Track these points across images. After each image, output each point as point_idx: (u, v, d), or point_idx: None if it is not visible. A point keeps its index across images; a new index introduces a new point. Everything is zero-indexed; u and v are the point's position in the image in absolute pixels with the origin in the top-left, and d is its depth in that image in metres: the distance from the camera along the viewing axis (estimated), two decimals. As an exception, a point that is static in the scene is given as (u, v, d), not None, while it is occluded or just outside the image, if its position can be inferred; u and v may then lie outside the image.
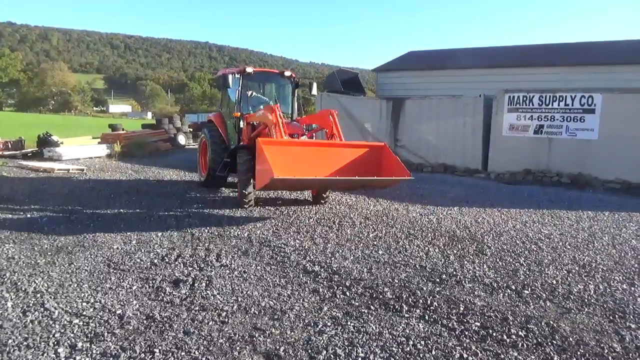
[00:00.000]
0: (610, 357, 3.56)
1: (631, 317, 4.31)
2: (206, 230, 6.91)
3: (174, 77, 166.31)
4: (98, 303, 4.25)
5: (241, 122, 9.43)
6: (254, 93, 10.14)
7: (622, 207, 9.73)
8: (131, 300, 4.35)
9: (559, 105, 13.19)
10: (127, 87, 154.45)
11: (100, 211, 7.92)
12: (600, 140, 12.58)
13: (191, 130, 23.81)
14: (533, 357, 3.54)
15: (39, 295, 4.38)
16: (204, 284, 4.78)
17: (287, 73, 10.47)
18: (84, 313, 4.03)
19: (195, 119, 39.57)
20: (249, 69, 9.95)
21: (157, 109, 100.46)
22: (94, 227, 6.97)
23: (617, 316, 4.31)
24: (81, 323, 3.85)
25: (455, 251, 6.21)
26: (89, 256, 5.57)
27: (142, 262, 5.43)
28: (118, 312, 4.08)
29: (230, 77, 9.66)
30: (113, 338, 3.62)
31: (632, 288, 5.04)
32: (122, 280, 4.83)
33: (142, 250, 5.87)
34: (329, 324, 3.99)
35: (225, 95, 10.83)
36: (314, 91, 10.91)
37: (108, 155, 16.53)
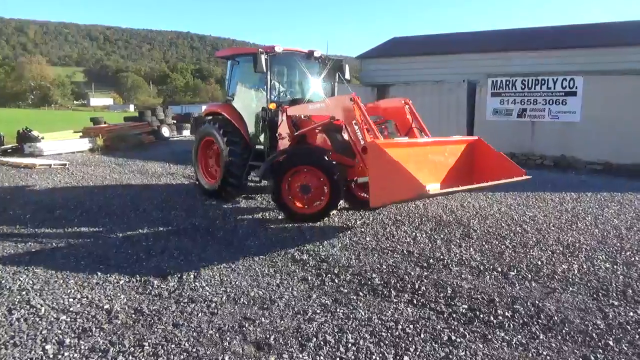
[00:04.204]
0: (594, 334, 3.64)
1: (614, 294, 4.40)
2: (192, 223, 6.86)
3: (155, 68, 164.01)
4: (85, 298, 4.21)
5: (280, 116, 7.43)
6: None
7: (604, 188, 9.90)
8: (119, 294, 4.32)
9: (541, 88, 13.33)
10: (108, 80, 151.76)
11: (84, 206, 7.81)
12: (582, 123, 12.77)
13: (175, 122, 23.55)
14: (519, 336, 3.60)
15: (24, 292, 4.32)
16: (192, 276, 4.76)
17: (317, 53, 8.42)
18: (71, 309, 3.99)
19: (179, 110, 39.09)
20: (278, 48, 7.75)
21: (140, 101, 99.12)
22: (79, 222, 6.88)
23: (600, 294, 4.40)
24: (68, 319, 3.81)
25: (442, 235, 6.27)
26: (74, 251, 5.51)
27: (128, 256, 5.38)
28: (106, 307, 4.05)
29: (263, 58, 7.27)
30: (101, 333, 3.59)
31: (615, 266, 5.15)
32: (108, 274, 4.79)
33: (128, 244, 5.81)
34: (318, 311, 4.01)
35: (239, 81, 8.55)
36: (347, 75, 8.79)
37: (90, 149, 16.29)
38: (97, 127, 19.47)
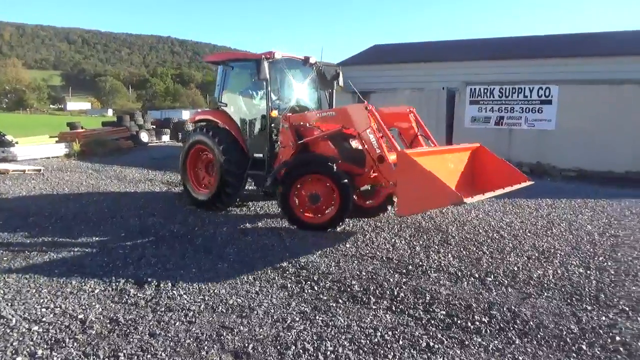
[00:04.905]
0: (568, 339, 3.70)
1: (587, 299, 4.50)
2: (170, 230, 6.78)
3: (134, 72, 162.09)
4: (58, 308, 4.11)
5: (282, 124, 7.25)
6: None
7: (577, 194, 10.13)
8: (93, 304, 4.23)
9: (518, 97, 13.62)
10: (85, 84, 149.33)
11: (59, 213, 7.65)
12: (557, 131, 13.07)
13: (154, 127, 23.30)
14: (496, 342, 3.65)
15: (-6, 302, 4.20)
16: (169, 284, 4.70)
17: (313, 60, 8.31)
18: (44, 319, 3.89)
19: (159, 115, 38.66)
20: (277, 54, 7.56)
21: (118, 106, 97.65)
22: (53, 229, 6.73)
23: (574, 299, 4.49)
24: (41, 330, 3.71)
25: (420, 242, 6.32)
26: (48, 260, 5.38)
27: (104, 264, 5.28)
28: (80, 316, 3.96)
29: (265, 65, 7.05)
30: (75, 344, 3.51)
31: (588, 272, 5.26)
32: (83, 283, 4.69)
33: (104, 252, 5.70)
34: (297, 319, 3.99)
35: (232, 87, 8.31)
36: (342, 82, 8.63)
37: (67, 154, 15.97)
38: (74, 131, 19.14)
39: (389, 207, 7.66)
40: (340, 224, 6.81)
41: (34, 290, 4.48)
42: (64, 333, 3.67)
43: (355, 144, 7.00)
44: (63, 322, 3.86)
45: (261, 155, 7.68)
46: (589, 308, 4.29)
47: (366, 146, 6.33)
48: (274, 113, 7.50)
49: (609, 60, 14.79)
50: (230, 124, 7.94)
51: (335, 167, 6.51)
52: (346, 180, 6.48)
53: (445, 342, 3.64)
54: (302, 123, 7.24)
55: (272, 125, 7.51)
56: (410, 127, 7.14)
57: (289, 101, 8.16)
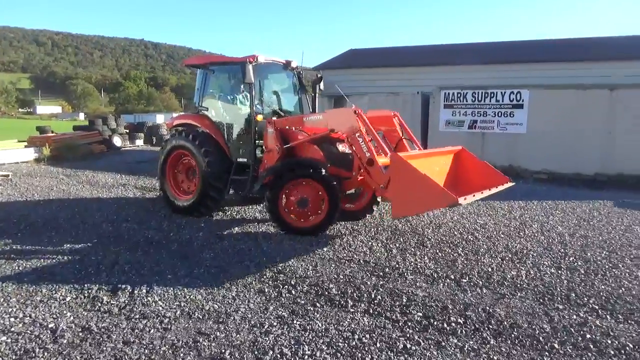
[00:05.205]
0: (541, 338, 3.79)
1: (559, 298, 4.61)
2: (145, 235, 6.66)
3: (107, 76, 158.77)
4: (28, 317, 3.99)
5: (267, 128, 7.19)
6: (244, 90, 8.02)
7: (548, 196, 10.39)
8: (65, 312, 4.12)
9: (490, 101, 13.88)
10: (56, 87, 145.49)
11: (28, 219, 7.42)
12: (528, 134, 13.37)
13: (127, 131, 22.88)
14: (471, 342, 3.70)
15: (-41, 313, 4.04)
16: (144, 291, 4.61)
17: (294, 64, 8.27)
18: (12, 329, 3.77)
19: (132, 119, 38.03)
20: (261, 58, 7.56)
21: (90, 110, 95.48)
22: (22, 236, 6.53)
23: (546, 299, 4.60)
24: (9, 340, 3.59)
25: (397, 244, 6.37)
26: (17, 268, 5.22)
27: (75, 271, 5.15)
28: (50, 325, 3.85)
29: (250, 68, 7.05)
30: (45, 354, 3.41)
31: (559, 272, 5.40)
32: (54, 291, 4.56)
33: (76, 259, 5.57)
34: (275, 323, 3.97)
35: (213, 91, 8.25)
36: (322, 86, 8.62)
37: (36, 159, 15.54)
38: (44, 136, 18.62)
39: (374, 208, 7.75)
40: (329, 228, 6.83)
41: (2, 300, 4.35)
42: (33, 343, 3.57)
43: (342, 147, 7.02)
44: (33, 331, 3.75)
45: (245, 159, 7.62)
46: (561, 307, 4.40)
47: (355, 150, 6.33)
48: (260, 117, 7.45)
49: (577, 66, 15.27)
50: (212, 128, 7.82)
51: (325, 172, 6.54)
52: (335, 184, 6.52)
53: (422, 343, 3.67)
54: (287, 127, 7.24)
55: (258, 130, 7.45)
56: (395, 130, 7.20)
57: (271, 105, 8.12)
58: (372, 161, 6.07)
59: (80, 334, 3.74)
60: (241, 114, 7.83)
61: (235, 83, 7.94)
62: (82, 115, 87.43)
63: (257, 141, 7.49)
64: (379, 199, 7.55)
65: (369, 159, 6.10)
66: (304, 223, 6.75)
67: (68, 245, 6.11)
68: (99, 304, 4.31)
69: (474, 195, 5.73)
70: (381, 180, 6.00)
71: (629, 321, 4.12)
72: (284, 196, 6.72)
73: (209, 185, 7.51)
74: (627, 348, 3.64)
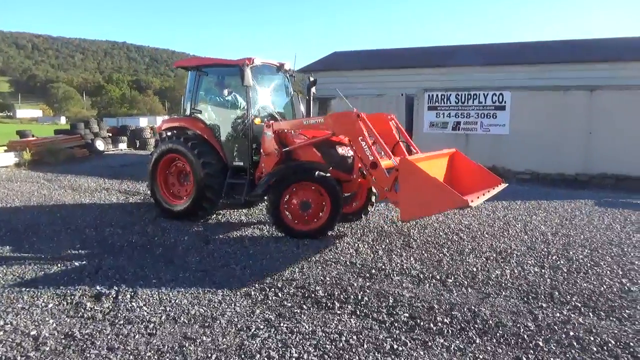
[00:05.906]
0: (525, 336, 3.83)
1: (542, 297, 4.67)
2: (129, 240, 6.58)
3: (89, 79, 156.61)
4: (9, 325, 3.91)
5: (265, 132, 7.12)
6: (233, 92, 7.94)
7: (531, 196, 10.53)
8: (47, 319, 4.05)
9: (473, 102, 14.03)
10: (36, 91, 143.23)
11: (9, 225, 7.28)
12: (511, 135, 13.54)
13: (110, 135, 22.59)
14: (457, 342, 3.73)
15: (-63, 322, 3.94)
16: (128, 296, 4.55)
17: (287, 66, 8.28)
18: (-8, 337, 3.69)
19: (115, 123, 37.54)
20: (258, 61, 7.45)
21: (72, 113, 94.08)
22: (2, 242, 6.40)
23: (530, 297, 4.66)
24: (-11, 349, 3.51)
25: (383, 246, 6.40)
26: (-3, 275, 5.11)
27: (58, 277, 5.06)
28: (32, 333, 3.78)
29: (248, 71, 7.04)
30: (27, 362, 3.34)
31: (543, 270, 5.47)
32: (36, 298, 4.48)
33: (59, 265, 5.47)
34: (261, 326, 3.95)
35: (206, 94, 8.18)
36: (314, 89, 8.46)
37: (17, 164, 15.26)
38: (24, 140, 18.29)
39: (370, 209, 7.81)
40: (331, 231, 6.82)
41: (-19, 308, 4.25)
42: (15, 351, 3.50)
43: (342, 150, 7.00)
44: (14, 339, 3.68)
45: (241, 163, 7.56)
46: (544, 305, 4.46)
47: (358, 153, 6.31)
48: (258, 120, 7.39)
49: (558, 67, 15.55)
50: (206, 131, 7.71)
51: (327, 175, 6.54)
52: (338, 188, 6.55)
53: (409, 344, 3.69)
54: (285, 130, 7.17)
55: (255, 133, 7.40)
56: (391, 133, 7.21)
57: (265, 108, 8.07)
58: (375, 164, 6.06)
59: (63, 340, 3.67)
60: (236, 117, 7.75)
61: (230, 85, 7.84)
62: (63, 119, 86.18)
63: (254, 145, 7.45)
64: (373, 200, 7.61)
65: (372, 162, 6.08)
66: (305, 226, 6.73)
67: (50, 251, 6.00)
68: (82, 310, 4.24)
69: (478, 197, 5.79)
70: (385, 183, 6.00)
71: (611, 318, 4.20)
72: (285, 200, 6.69)
73: (205, 189, 7.39)
74: (609, 345, 3.70)
